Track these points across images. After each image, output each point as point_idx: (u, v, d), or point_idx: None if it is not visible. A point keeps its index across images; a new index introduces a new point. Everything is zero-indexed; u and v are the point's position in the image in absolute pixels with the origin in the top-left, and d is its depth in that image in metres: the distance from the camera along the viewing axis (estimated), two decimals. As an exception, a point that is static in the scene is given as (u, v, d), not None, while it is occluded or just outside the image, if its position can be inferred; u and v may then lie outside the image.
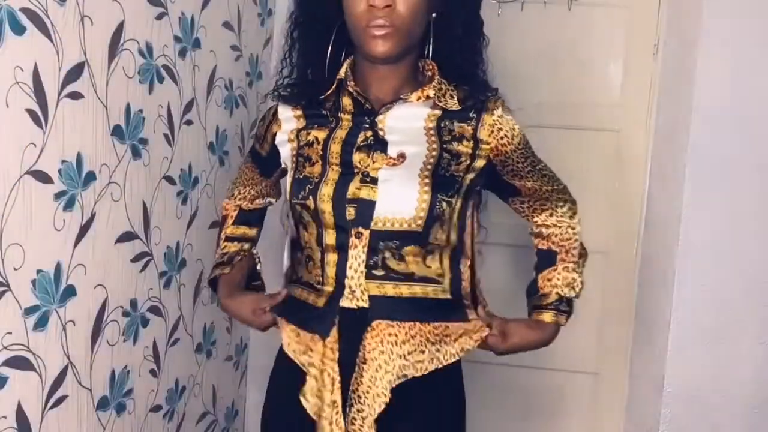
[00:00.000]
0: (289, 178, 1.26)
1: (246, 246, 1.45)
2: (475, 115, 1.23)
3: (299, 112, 1.28)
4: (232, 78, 1.83)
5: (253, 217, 1.46)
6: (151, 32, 1.41)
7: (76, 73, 1.17)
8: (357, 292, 1.19)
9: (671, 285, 1.82)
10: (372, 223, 1.17)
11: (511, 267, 2.14)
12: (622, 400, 2.12)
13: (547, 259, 1.35)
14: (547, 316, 1.32)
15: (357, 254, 1.18)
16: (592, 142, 2.09)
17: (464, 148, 1.23)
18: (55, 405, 1.20)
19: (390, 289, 1.19)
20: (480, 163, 1.24)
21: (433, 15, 1.20)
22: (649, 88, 2.04)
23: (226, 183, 1.83)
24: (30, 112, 1.07)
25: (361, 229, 1.17)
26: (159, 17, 1.44)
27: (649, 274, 2.00)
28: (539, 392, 2.17)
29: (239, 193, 1.45)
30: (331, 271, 1.20)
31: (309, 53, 1.27)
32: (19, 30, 1.04)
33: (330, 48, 1.23)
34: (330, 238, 1.19)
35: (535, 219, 1.36)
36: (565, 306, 1.32)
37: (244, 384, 2.14)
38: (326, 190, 1.18)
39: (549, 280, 1.33)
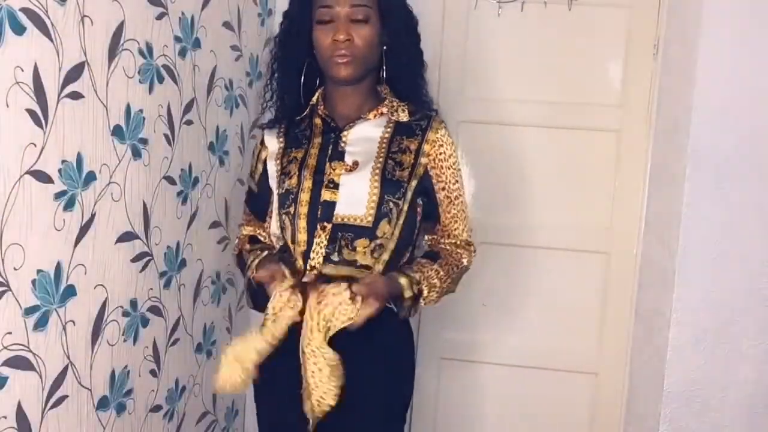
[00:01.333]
0: (275, 195, 1.53)
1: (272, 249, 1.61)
2: (420, 132, 1.52)
3: (282, 138, 1.57)
4: (232, 78, 1.84)
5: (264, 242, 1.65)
6: (151, 32, 1.41)
7: (76, 73, 1.17)
8: (315, 271, 1.44)
9: (671, 285, 1.82)
10: (333, 219, 1.45)
11: (511, 267, 2.14)
12: (622, 400, 2.12)
13: (431, 255, 1.56)
14: (403, 280, 1.47)
15: (320, 242, 1.46)
16: (592, 142, 2.09)
17: (408, 157, 1.50)
18: (55, 405, 1.20)
19: (337, 271, 1.44)
20: (419, 170, 1.51)
21: (384, 47, 1.51)
22: (649, 88, 2.04)
23: (226, 183, 1.83)
24: (30, 112, 1.07)
25: (325, 223, 1.46)
26: (159, 17, 1.44)
27: (649, 274, 2.00)
28: (539, 392, 2.17)
29: (246, 230, 1.64)
30: (299, 257, 1.47)
31: (286, 82, 1.56)
32: (19, 30, 1.04)
33: (303, 77, 1.53)
34: (302, 232, 1.47)
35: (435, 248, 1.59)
36: (416, 291, 1.49)
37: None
38: (304, 197, 1.47)
39: (423, 266, 1.52)
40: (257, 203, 1.61)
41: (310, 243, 1.45)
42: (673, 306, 1.81)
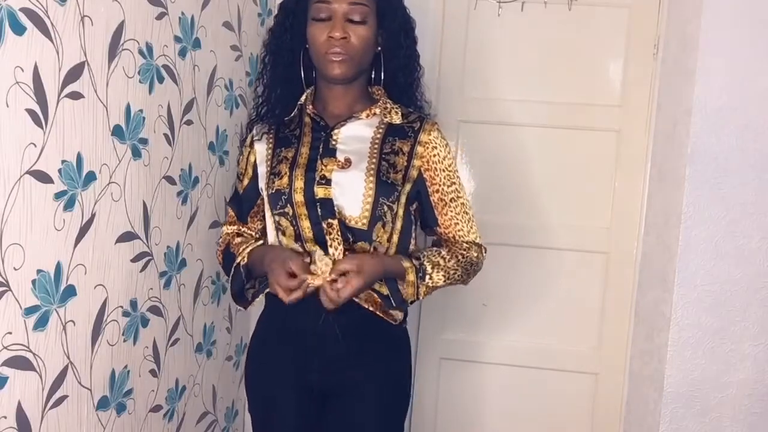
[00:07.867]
0: (264, 195, 1.51)
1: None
2: (413, 134, 1.49)
3: (271, 138, 1.55)
4: (232, 78, 1.84)
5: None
6: (151, 32, 1.41)
7: (76, 73, 1.17)
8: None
9: (671, 285, 1.82)
10: (337, 215, 1.43)
11: (511, 267, 2.14)
12: (622, 400, 2.12)
13: (436, 243, 1.54)
14: (407, 263, 1.44)
15: (334, 237, 1.43)
16: (592, 142, 2.09)
17: (401, 159, 1.47)
18: (55, 405, 1.20)
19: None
20: (413, 173, 1.48)
21: (378, 48, 1.49)
22: (649, 88, 2.04)
23: (226, 183, 1.83)
24: (30, 112, 1.07)
25: (330, 220, 1.43)
26: (159, 17, 1.44)
27: (649, 274, 2.00)
28: (539, 392, 2.17)
29: (229, 229, 1.63)
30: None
31: (278, 75, 1.53)
32: (19, 30, 1.04)
33: (295, 72, 1.51)
34: (307, 231, 1.45)
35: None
36: (417, 266, 1.44)
37: (244, 384, 2.14)
38: (299, 198, 1.44)
39: (426, 249, 1.49)
40: (239, 204, 1.61)
41: (321, 240, 1.43)
42: (673, 306, 1.81)
